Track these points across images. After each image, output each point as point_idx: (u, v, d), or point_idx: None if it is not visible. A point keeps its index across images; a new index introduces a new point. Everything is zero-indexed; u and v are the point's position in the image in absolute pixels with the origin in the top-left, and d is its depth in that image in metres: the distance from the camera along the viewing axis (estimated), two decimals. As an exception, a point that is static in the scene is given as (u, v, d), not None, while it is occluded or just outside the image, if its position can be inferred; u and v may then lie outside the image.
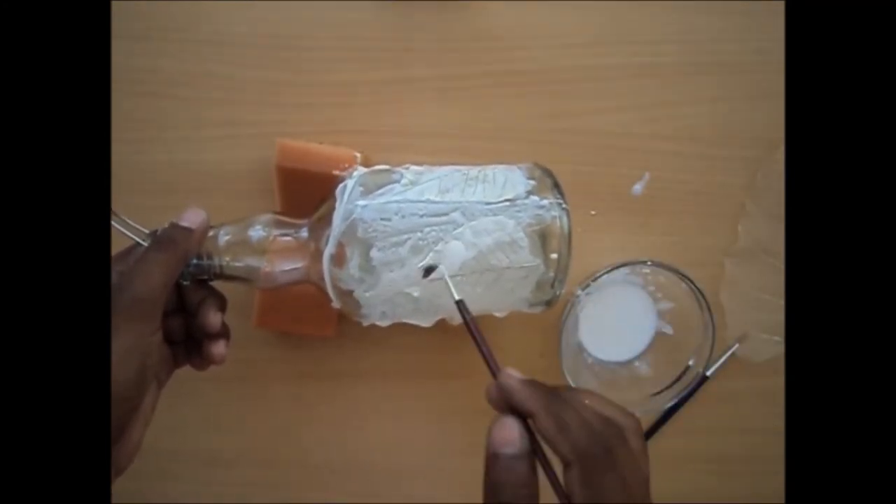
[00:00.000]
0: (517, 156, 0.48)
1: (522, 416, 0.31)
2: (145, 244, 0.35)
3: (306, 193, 0.46)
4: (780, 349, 0.51)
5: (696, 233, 0.51)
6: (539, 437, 0.30)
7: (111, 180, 0.48)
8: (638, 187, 0.50)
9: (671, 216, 0.51)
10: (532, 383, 0.32)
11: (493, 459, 0.30)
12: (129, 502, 0.36)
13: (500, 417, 0.31)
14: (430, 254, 0.38)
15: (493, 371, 0.33)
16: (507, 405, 0.32)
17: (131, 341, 0.32)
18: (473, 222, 0.38)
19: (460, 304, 0.35)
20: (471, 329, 0.34)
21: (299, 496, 0.53)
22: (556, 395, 0.31)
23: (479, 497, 0.52)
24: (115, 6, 0.46)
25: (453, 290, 0.36)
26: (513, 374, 0.32)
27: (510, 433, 0.30)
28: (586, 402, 0.32)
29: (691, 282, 0.46)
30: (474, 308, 0.41)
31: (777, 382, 0.52)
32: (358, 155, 0.46)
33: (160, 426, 0.36)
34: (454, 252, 0.38)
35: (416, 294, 0.39)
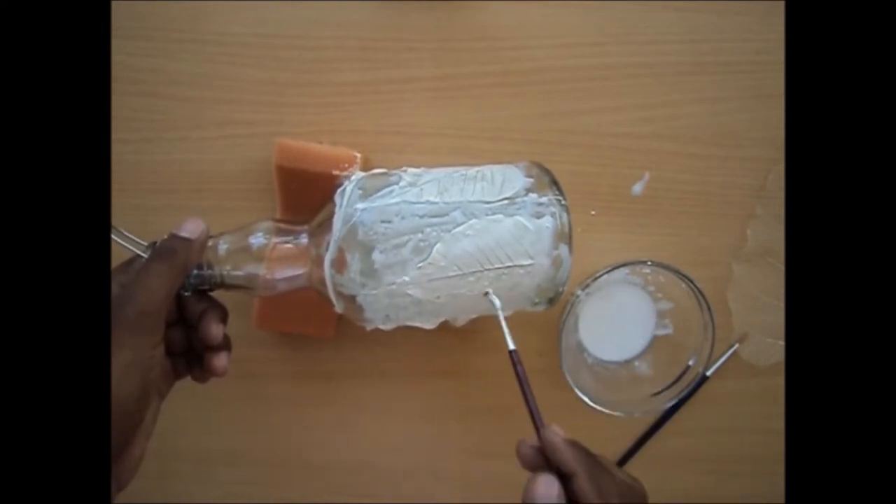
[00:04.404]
0: (517, 156, 0.48)
1: (559, 473, 0.33)
2: (145, 256, 0.35)
3: (306, 193, 0.46)
4: (783, 351, 0.51)
5: (695, 233, 0.51)
6: (575, 498, 0.32)
7: (111, 180, 0.49)
8: (638, 187, 0.50)
9: (671, 216, 0.51)
10: (575, 444, 0.33)
11: None
12: (129, 502, 0.36)
13: (540, 473, 0.33)
14: (435, 249, 0.38)
15: (538, 426, 0.34)
16: (546, 461, 0.33)
17: (134, 355, 0.32)
18: (473, 220, 0.38)
19: (513, 355, 0.36)
20: (521, 381, 0.35)
21: (299, 496, 0.53)
22: (595, 459, 0.33)
23: (476, 496, 0.53)
24: (115, 6, 0.46)
25: (509, 339, 0.37)
26: (558, 432, 0.34)
27: (551, 489, 0.32)
28: (613, 470, 0.34)
29: (691, 282, 0.46)
30: (478, 307, 0.42)
31: (777, 382, 0.52)
32: (357, 155, 0.46)
33: (160, 426, 0.36)
34: (455, 249, 0.38)
35: (418, 295, 0.39)
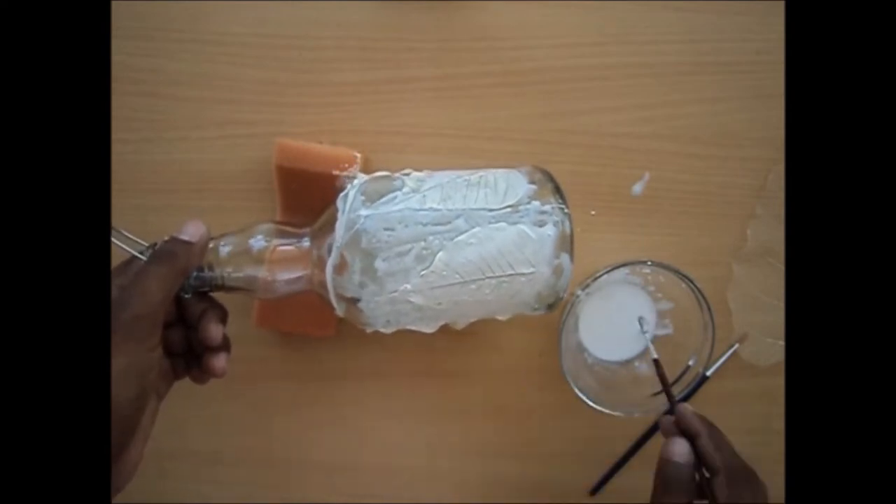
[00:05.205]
0: (517, 156, 0.48)
1: (689, 439, 0.42)
2: (144, 258, 0.35)
3: (306, 193, 0.46)
4: (782, 350, 0.51)
5: (695, 233, 0.51)
6: (699, 452, 0.41)
7: (111, 180, 0.49)
8: (638, 187, 0.50)
9: (671, 216, 0.51)
10: (699, 415, 0.43)
11: (666, 464, 0.41)
12: (129, 502, 0.36)
13: (674, 438, 0.42)
14: (437, 257, 0.38)
15: (672, 403, 0.45)
16: (678, 428, 0.43)
17: (130, 359, 0.31)
18: (476, 229, 0.38)
19: (657, 363, 0.47)
20: (659, 370, 0.47)
21: (299, 496, 0.53)
22: (713, 425, 0.42)
23: (476, 496, 0.53)
24: (115, 6, 0.46)
25: (652, 349, 0.48)
26: (689, 407, 0.43)
27: (683, 448, 0.41)
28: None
29: (691, 282, 0.46)
30: (478, 312, 0.42)
31: (777, 382, 0.52)
32: (357, 155, 0.46)
33: (160, 426, 0.36)
34: (458, 258, 0.38)
35: (419, 302, 0.39)
